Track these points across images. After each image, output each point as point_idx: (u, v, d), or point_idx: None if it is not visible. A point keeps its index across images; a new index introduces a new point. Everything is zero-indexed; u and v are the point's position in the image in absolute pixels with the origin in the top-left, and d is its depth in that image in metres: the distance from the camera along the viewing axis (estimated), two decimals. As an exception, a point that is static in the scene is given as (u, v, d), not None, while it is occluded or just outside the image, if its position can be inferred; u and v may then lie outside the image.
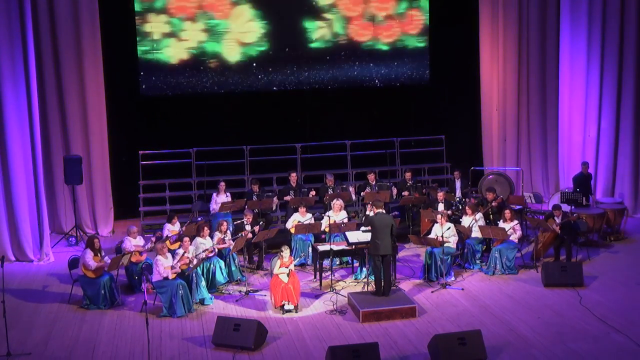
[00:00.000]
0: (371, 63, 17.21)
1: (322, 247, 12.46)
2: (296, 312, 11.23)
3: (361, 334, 10.41)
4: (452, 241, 12.54)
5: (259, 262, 13.33)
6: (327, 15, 16.78)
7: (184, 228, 12.91)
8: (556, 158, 17.34)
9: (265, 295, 11.90)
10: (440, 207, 14.17)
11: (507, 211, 13.13)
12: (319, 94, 17.21)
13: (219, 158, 16.42)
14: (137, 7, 15.88)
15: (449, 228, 12.56)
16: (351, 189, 15.27)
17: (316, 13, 16.74)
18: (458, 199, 14.95)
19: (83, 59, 15.14)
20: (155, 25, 15.98)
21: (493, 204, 14.07)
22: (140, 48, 16.00)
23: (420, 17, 17.23)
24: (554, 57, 17.09)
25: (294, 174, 15.18)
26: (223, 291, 12.18)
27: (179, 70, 16.26)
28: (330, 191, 14.93)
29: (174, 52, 16.19)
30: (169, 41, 16.12)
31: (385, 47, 17.19)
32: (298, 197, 14.48)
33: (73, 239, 14.95)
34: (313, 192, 14.72)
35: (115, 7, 15.66)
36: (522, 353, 9.78)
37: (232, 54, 16.53)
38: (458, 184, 15.64)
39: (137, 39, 15.94)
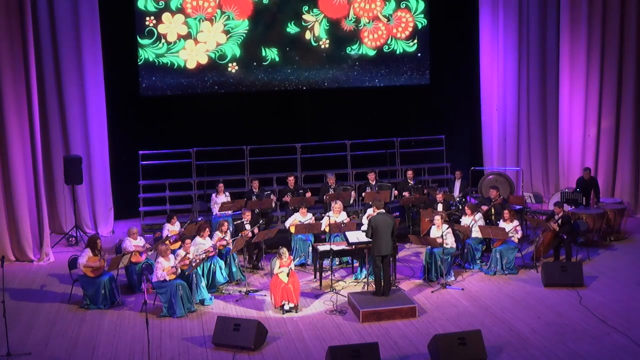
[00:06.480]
0: (371, 63, 17.20)
1: (322, 247, 12.45)
2: (296, 312, 11.22)
3: (361, 334, 10.41)
4: (450, 243, 12.47)
5: (255, 262, 13.31)
6: (327, 15, 16.82)
7: (184, 228, 12.92)
8: (556, 158, 17.33)
9: (265, 295, 11.90)
10: (440, 207, 14.16)
11: (506, 212, 13.11)
12: (319, 94, 17.20)
13: (219, 158, 16.43)
14: (151, 6, 15.88)
15: (447, 228, 12.53)
16: (352, 193, 15.23)
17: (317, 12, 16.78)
18: (458, 198, 14.94)
19: (83, 59, 15.14)
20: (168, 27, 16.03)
21: (496, 201, 14.06)
22: (155, 51, 16.00)
23: (411, 20, 17.25)
24: (554, 57, 17.07)
25: (291, 178, 15.13)
26: (223, 291, 12.18)
27: (179, 70, 16.27)
28: (331, 191, 14.92)
29: (187, 55, 16.20)
30: (184, 43, 16.12)
31: (385, 47, 17.21)
32: (297, 198, 14.46)
33: (73, 239, 14.95)
34: (309, 193, 14.69)
35: (115, 6, 15.66)
36: (522, 353, 9.77)
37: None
38: (457, 184, 15.63)
39: (149, 41, 15.95)
